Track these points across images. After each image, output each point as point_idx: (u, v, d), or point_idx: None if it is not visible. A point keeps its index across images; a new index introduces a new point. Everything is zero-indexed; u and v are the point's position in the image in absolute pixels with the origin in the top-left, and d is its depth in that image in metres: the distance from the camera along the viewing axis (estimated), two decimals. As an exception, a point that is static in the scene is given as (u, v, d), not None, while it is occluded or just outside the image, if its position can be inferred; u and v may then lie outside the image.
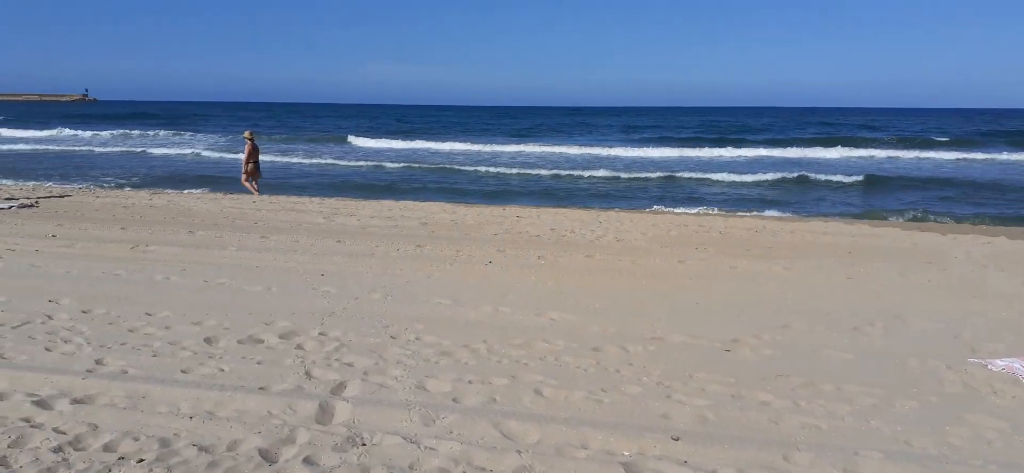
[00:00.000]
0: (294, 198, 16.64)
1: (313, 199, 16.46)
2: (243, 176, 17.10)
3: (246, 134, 17.33)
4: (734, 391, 5.06)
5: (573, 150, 39.93)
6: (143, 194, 16.62)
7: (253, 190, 17.11)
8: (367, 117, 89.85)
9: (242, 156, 17.15)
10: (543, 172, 28.06)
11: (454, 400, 4.76)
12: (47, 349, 5.60)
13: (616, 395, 4.91)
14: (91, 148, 38.73)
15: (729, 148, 39.85)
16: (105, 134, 50.93)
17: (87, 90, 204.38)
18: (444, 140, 46.47)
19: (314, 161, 32.39)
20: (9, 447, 3.93)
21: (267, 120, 78.38)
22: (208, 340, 5.87)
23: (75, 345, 5.70)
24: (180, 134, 52.04)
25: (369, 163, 31.72)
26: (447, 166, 30.43)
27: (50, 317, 6.47)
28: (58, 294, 7.26)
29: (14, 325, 6.21)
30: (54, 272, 8.27)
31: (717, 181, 25.62)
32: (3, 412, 4.41)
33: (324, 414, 4.51)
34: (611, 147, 42.63)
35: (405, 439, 4.16)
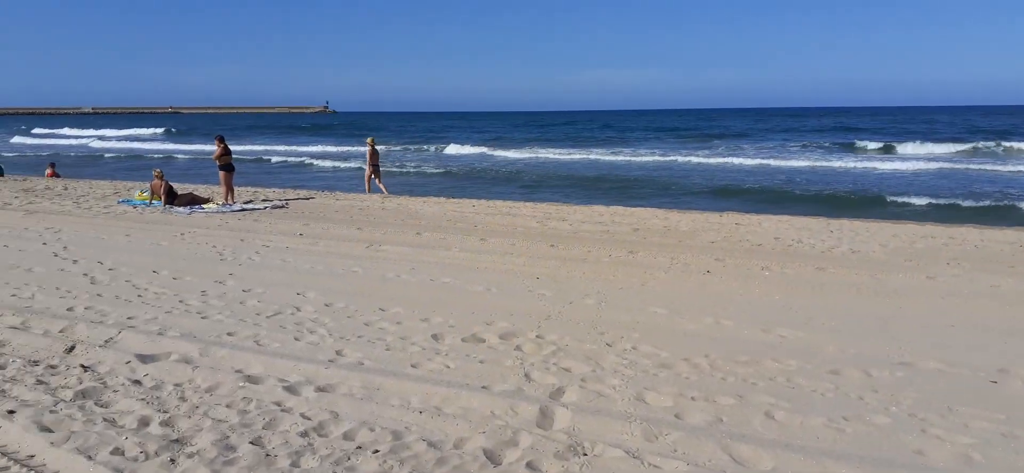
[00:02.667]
0: (511, 202, 17.14)
1: (527, 203, 16.84)
2: (366, 181, 19.19)
3: (368, 141, 19.16)
4: (1005, 430, 4.36)
5: (797, 161, 37.52)
6: (375, 197, 17.95)
7: (382, 189, 18.92)
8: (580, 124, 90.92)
9: (365, 165, 19.10)
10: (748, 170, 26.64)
11: (677, 416, 4.53)
12: (296, 338, 6.12)
13: (860, 425, 4.41)
14: (336, 164, 42.78)
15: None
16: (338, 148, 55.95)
17: (327, 102, 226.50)
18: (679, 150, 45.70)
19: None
20: (264, 428, 4.31)
21: (515, 131, 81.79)
22: (435, 336, 6.12)
23: (319, 336, 6.19)
24: (423, 148, 55.91)
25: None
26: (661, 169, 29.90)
27: (298, 309, 7.09)
28: (305, 287, 7.96)
29: (268, 315, 6.88)
30: (301, 267, 9.10)
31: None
32: (259, 395, 4.86)
33: (544, 419, 4.49)
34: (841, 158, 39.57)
35: (627, 453, 4.00)
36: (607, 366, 5.45)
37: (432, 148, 47.74)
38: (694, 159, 35.27)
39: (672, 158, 36.16)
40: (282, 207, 15.23)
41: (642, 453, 4.01)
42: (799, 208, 17.74)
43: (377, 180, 19.00)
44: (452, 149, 46.05)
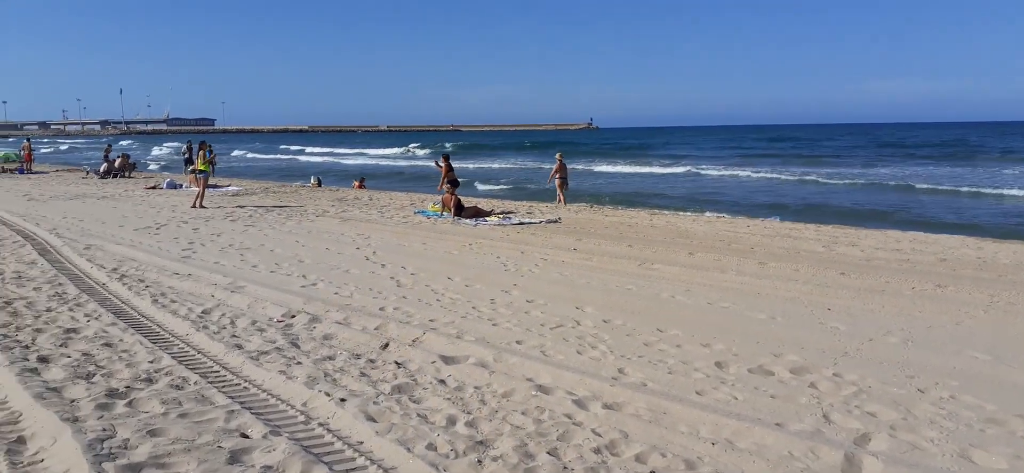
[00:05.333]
0: (789, 223, 16.19)
1: (809, 225, 15.77)
2: (558, 188, 21.23)
3: (558, 155, 21.81)
4: None
5: None
6: (643, 214, 17.98)
7: (561, 198, 20.91)
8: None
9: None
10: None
11: (1018, 484, 3.91)
12: (578, 352, 6.29)
13: None
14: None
15: None
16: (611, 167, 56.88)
17: (592, 119, 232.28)
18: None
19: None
20: (558, 440, 4.46)
21: (778, 145, 78.43)
22: (718, 364, 5.93)
23: (600, 352, 6.29)
24: (676, 158, 55.43)
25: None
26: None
27: (578, 323, 7.28)
28: (582, 302, 8.17)
29: (551, 326, 7.15)
30: (577, 281, 9.36)
31: None
32: (550, 405, 5.05)
33: (850, 467, 4.13)
34: None
35: (957, 520, 3.53)
36: (920, 415, 4.88)
37: (680, 168, 46.76)
38: (1004, 179, 30.65)
39: (970, 178, 31.75)
40: (555, 222, 15.83)
41: (976, 522, 3.51)
42: None
43: (561, 190, 21.16)
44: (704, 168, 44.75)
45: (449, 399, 5.17)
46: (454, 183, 17.66)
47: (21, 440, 4.36)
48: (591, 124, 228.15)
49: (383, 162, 58.28)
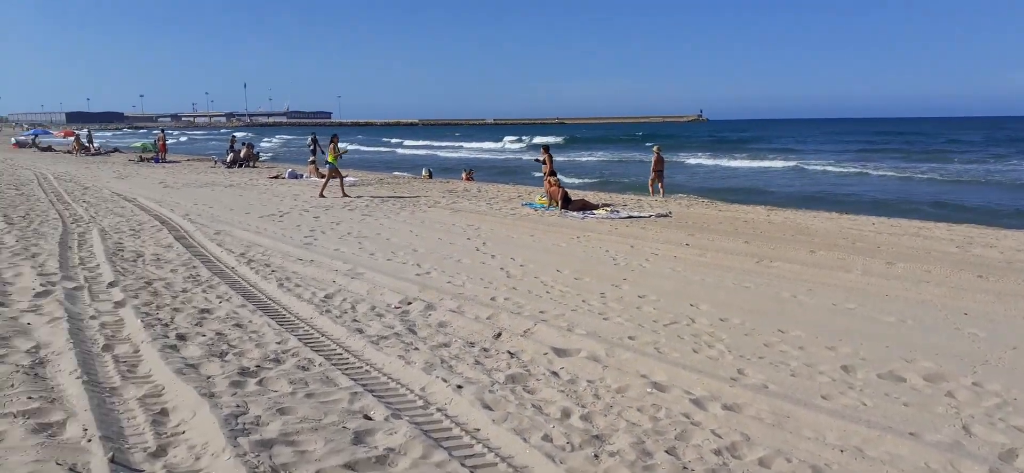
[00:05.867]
0: (918, 222, 15.25)
1: (939, 224, 14.80)
2: (649, 183, 21.77)
3: (655, 148, 22.29)
4: None
5: None
6: (760, 209, 17.38)
7: (660, 188, 21.29)
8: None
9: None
10: None
11: None
12: (694, 350, 6.14)
13: None
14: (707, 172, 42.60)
15: None
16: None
17: (701, 111, 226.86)
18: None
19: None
20: (676, 439, 4.37)
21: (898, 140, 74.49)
22: (845, 368, 5.65)
23: (717, 351, 6.12)
24: (786, 153, 53.38)
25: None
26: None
27: (693, 320, 7.11)
28: (697, 299, 7.97)
29: (664, 323, 7.02)
30: (691, 277, 9.14)
31: None
32: (667, 403, 4.96)
33: (997, 485, 3.83)
34: None
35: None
36: (1077, 433, 4.48)
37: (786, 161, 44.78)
38: None
39: None
40: (666, 216, 15.53)
41: None
42: None
43: (659, 183, 21.35)
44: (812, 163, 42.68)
45: (563, 391, 5.16)
46: (553, 174, 17.61)
47: (164, 412, 4.67)
48: (701, 116, 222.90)
49: (483, 155, 58.95)
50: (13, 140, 58.15)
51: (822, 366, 5.70)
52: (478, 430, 4.50)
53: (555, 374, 5.55)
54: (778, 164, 41.91)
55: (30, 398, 4.70)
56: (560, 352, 6.05)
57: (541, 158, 18.84)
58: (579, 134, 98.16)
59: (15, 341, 5.93)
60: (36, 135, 59.18)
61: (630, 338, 6.47)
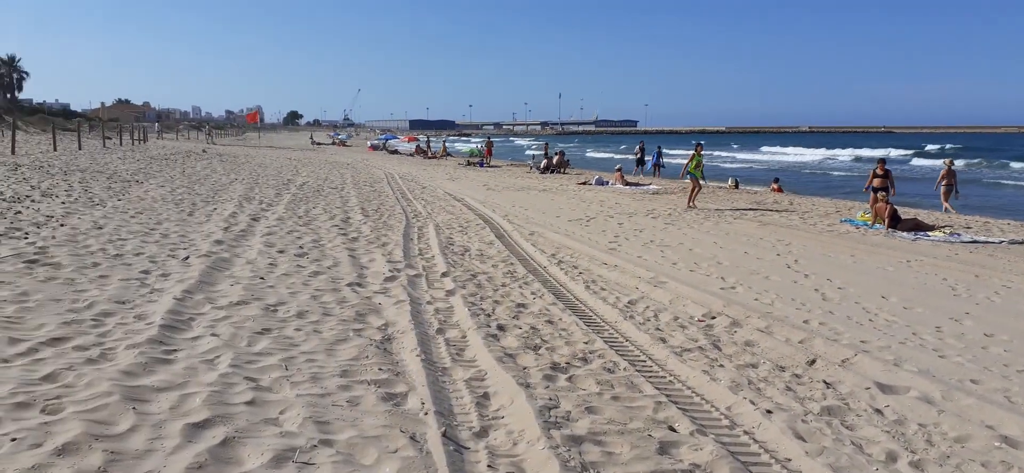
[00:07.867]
0: None
1: None
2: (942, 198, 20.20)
3: (946, 161, 21.31)
4: None
5: None
6: None
7: (947, 207, 19.69)
8: None
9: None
10: None
11: None
12: (1060, 405, 5.17)
13: None
14: None
15: None
16: None
17: None
18: None
19: None
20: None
21: None
22: None
23: (1093, 410, 5.09)
24: None
25: None
26: None
27: (1059, 369, 5.99)
28: (1064, 345, 6.70)
29: (1018, 368, 6.02)
30: (1056, 319, 7.71)
31: None
32: (1021, 462, 4.25)
33: None
34: None
35: None
36: None
37: None
38: None
39: None
40: (1022, 243, 13.27)
41: None
42: None
43: (944, 199, 19.90)
44: None
45: (888, 432, 4.68)
46: (885, 190, 15.97)
47: (486, 395, 5.13)
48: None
49: (795, 162, 55.17)
50: (369, 144, 67.71)
51: None
52: (789, 460, 4.26)
53: (879, 412, 5.05)
54: None
55: (380, 369, 5.45)
56: (885, 388, 5.48)
57: (874, 182, 16.83)
58: (914, 144, 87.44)
59: (369, 318, 6.93)
60: (386, 140, 68.39)
61: (973, 382, 5.66)
